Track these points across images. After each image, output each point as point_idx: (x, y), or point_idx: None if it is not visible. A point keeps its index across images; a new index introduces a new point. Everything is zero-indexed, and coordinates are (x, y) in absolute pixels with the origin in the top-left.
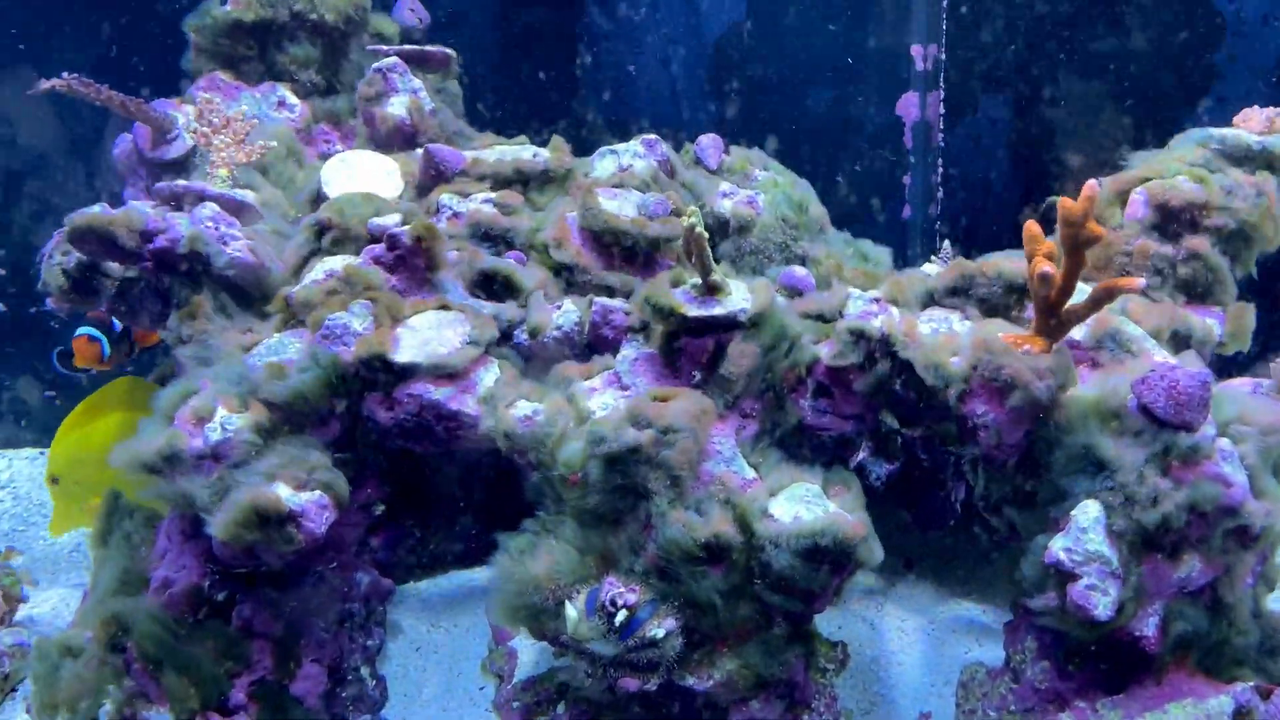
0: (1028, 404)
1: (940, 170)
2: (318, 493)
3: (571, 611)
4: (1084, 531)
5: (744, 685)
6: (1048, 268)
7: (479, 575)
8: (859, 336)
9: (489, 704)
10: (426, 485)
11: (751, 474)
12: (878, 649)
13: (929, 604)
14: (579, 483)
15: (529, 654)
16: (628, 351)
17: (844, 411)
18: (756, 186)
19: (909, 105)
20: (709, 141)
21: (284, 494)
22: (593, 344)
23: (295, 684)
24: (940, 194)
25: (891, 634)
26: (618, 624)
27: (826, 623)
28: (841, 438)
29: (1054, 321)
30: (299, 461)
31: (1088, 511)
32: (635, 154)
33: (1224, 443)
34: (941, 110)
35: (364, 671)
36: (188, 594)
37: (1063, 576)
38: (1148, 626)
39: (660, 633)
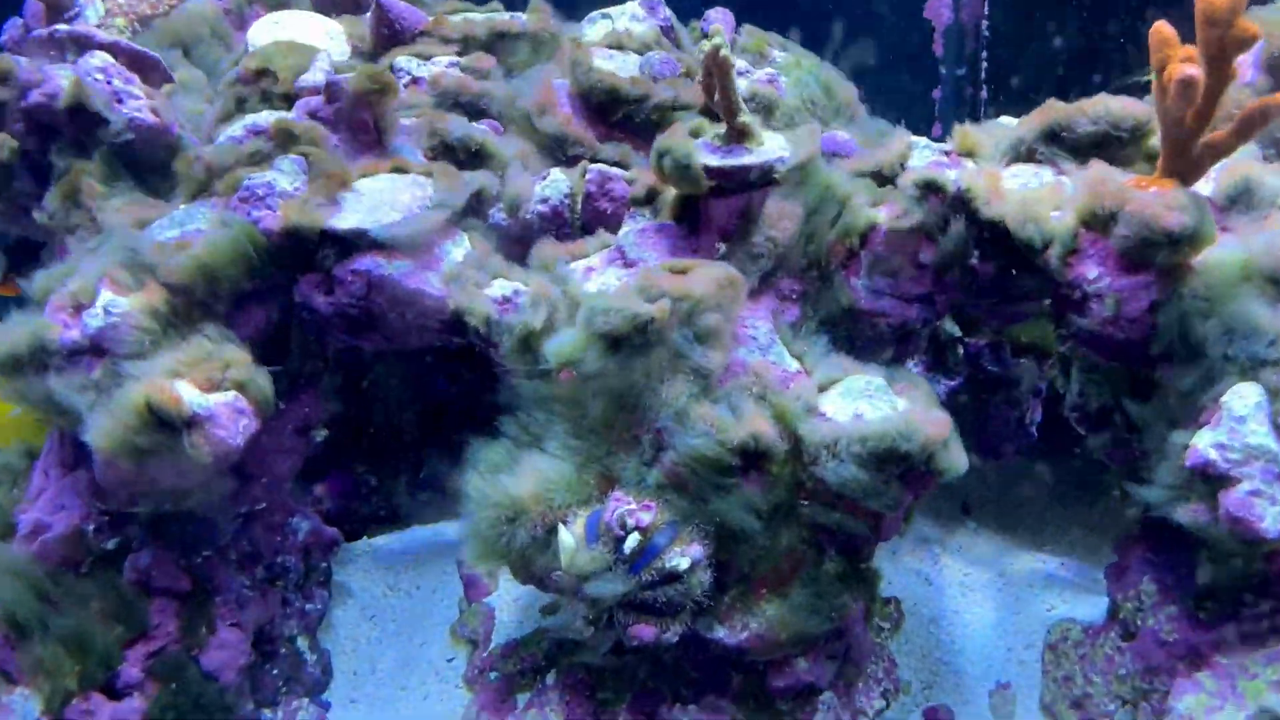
0: (1160, 257)
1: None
2: (232, 394)
3: (567, 537)
4: (1240, 422)
5: (787, 638)
6: (1191, 70)
7: (449, 530)
8: (930, 191)
9: (459, 678)
10: (383, 418)
11: (795, 365)
12: (937, 608)
13: (994, 555)
14: (573, 379)
15: (510, 612)
16: (633, 225)
17: (907, 292)
18: (777, 68)
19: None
20: (718, 15)
21: (187, 393)
22: (587, 222)
23: (207, 655)
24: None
25: (952, 591)
26: (628, 551)
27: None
28: (903, 328)
29: (1187, 157)
30: (208, 357)
31: (1244, 397)
32: (633, 17)
33: None
34: None
35: (301, 643)
36: (67, 540)
37: (1213, 482)
38: None
39: (684, 563)
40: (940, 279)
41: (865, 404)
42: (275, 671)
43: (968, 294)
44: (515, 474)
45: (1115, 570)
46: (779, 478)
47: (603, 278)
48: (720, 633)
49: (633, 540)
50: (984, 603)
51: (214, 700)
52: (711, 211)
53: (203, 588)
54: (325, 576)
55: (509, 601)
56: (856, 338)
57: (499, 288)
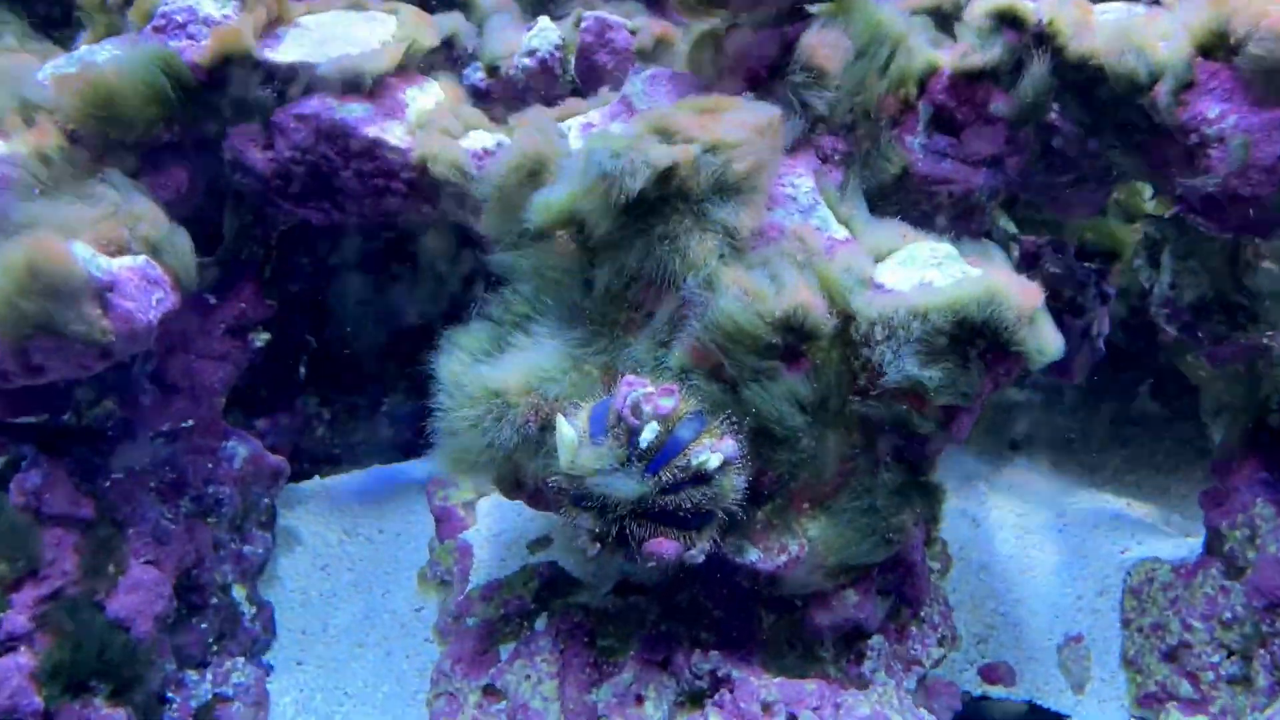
0: None
1: None
2: (143, 258)
3: (567, 429)
4: None
5: (833, 564)
6: None
7: (418, 470)
8: (1005, 23)
9: (429, 630)
10: (339, 339)
11: (842, 231)
12: (987, 553)
13: (1051, 494)
14: (571, 246)
15: (491, 549)
16: (640, 74)
17: (974, 152)
18: None
19: None
20: None
21: (84, 254)
22: (583, 79)
23: (115, 600)
24: None
25: (1005, 533)
26: (645, 445)
27: None
28: (966, 199)
29: None
30: (113, 212)
31: None
32: None
33: None
34: None
35: (237, 592)
36: None
37: None
38: None
39: (714, 460)
40: (1014, 136)
41: (934, 272)
42: (204, 625)
43: (1039, 166)
44: (498, 363)
45: (1213, 496)
46: (826, 363)
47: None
48: (752, 556)
49: (651, 431)
50: (1044, 545)
51: (123, 655)
52: (737, 48)
53: (110, 518)
54: (268, 516)
55: (489, 537)
56: (908, 212)
57: (476, 139)
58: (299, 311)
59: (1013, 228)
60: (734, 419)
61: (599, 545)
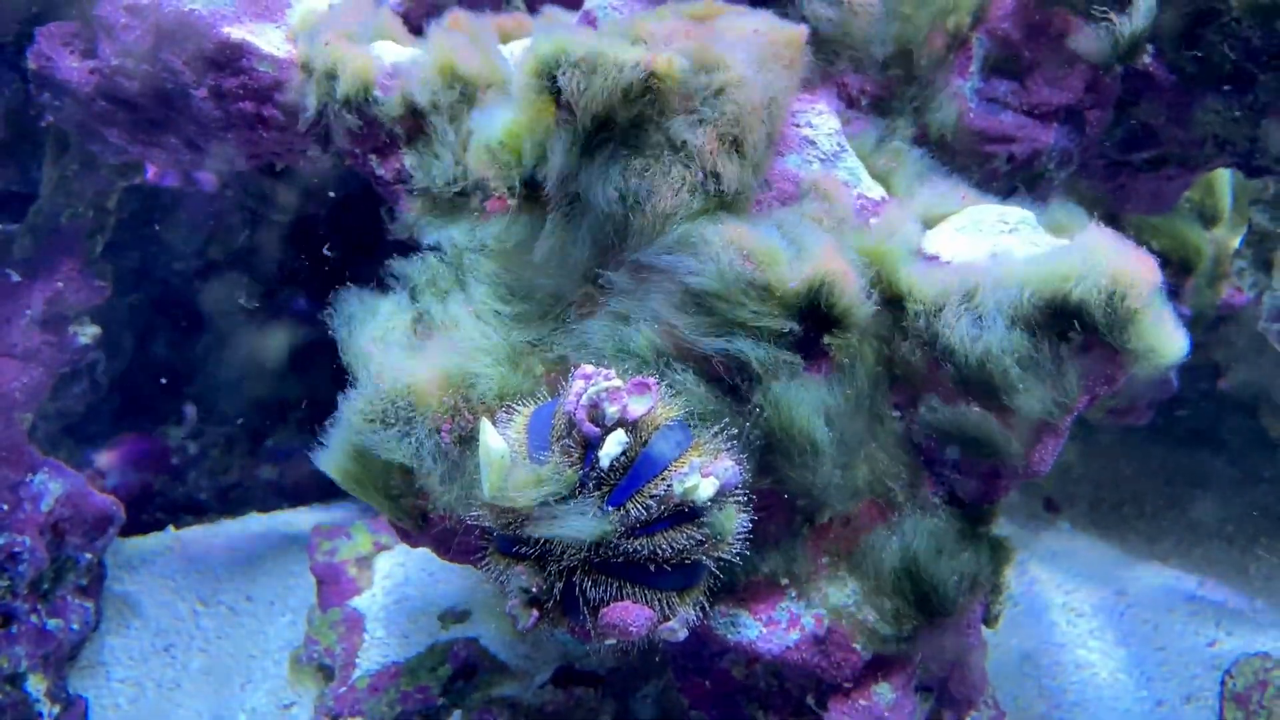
0: None
1: None
2: None
3: (495, 442)
4: None
5: (863, 643)
6: None
7: (306, 520)
8: None
9: None
10: (212, 350)
11: (879, 190)
12: (1031, 639)
13: (1104, 567)
14: (512, 202)
15: (389, 621)
16: None
17: (1044, 101)
18: None
19: None
20: None
21: None
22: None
23: None
24: None
25: (1053, 614)
26: (608, 463)
27: None
28: (1031, 163)
29: None
30: None
31: None
32: None
33: None
34: None
35: (33, 685)
36: None
37: None
38: None
39: (706, 488)
40: (1098, 82)
41: (1010, 239)
42: None
43: (1113, 134)
44: (416, 349)
45: None
46: (858, 361)
47: None
48: (750, 631)
49: (616, 443)
50: (1103, 633)
51: None
52: None
53: None
54: (90, 579)
55: (389, 604)
56: (956, 172)
57: (387, 52)
58: (161, 310)
59: None
60: (733, 432)
61: (536, 613)
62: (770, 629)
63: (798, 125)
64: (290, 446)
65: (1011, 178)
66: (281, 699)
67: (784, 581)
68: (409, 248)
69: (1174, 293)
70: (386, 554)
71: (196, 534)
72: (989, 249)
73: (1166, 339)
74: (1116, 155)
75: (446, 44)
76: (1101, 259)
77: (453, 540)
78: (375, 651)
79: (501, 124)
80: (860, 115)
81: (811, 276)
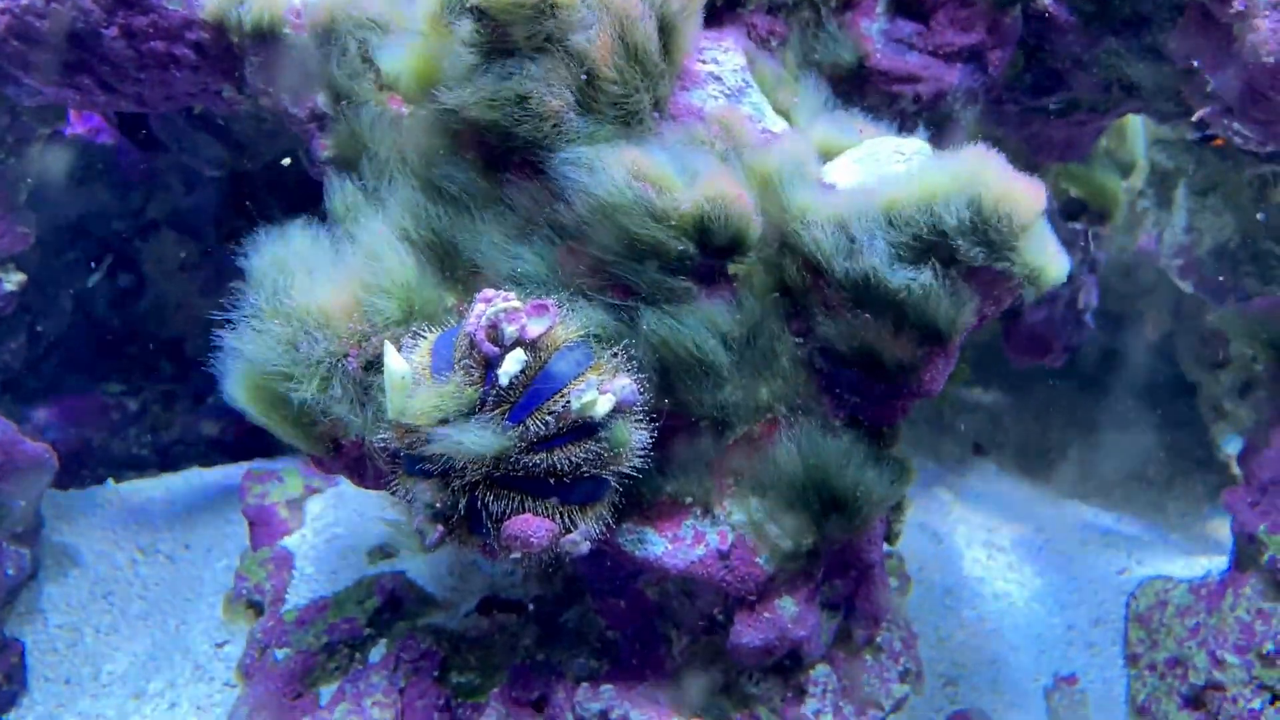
0: None
1: None
2: None
3: (398, 364)
4: None
5: (766, 557)
6: None
7: (243, 472)
8: None
9: (230, 671)
10: (153, 306)
11: (782, 123)
12: (954, 574)
13: (1027, 506)
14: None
15: (318, 559)
16: None
17: (946, 42)
18: None
19: None
20: None
21: None
22: None
23: None
24: None
25: (975, 550)
26: (507, 381)
27: None
28: (936, 103)
29: None
30: None
31: None
32: None
33: None
34: None
35: None
36: None
37: None
38: None
39: (602, 403)
40: (999, 22)
41: (901, 168)
42: None
43: (1022, 81)
44: (319, 273)
45: (1244, 492)
46: (757, 286)
47: None
48: (656, 548)
49: (515, 362)
50: (1021, 566)
51: None
52: None
53: None
54: (25, 527)
55: (319, 543)
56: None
57: None
58: (104, 265)
59: None
60: (634, 353)
61: (440, 528)
62: (675, 545)
63: (704, 62)
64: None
65: (919, 117)
66: (216, 638)
67: (689, 500)
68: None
69: (1093, 237)
70: (318, 496)
71: (137, 487)
72: (881, 175)
73: (1050, 260)
74: (1029, 102)
75: None
76: (987, 180)
77: (366, 467)
78: (304, 587)
79: (409, 48)
80: (770, 54)
81: (703, 198)
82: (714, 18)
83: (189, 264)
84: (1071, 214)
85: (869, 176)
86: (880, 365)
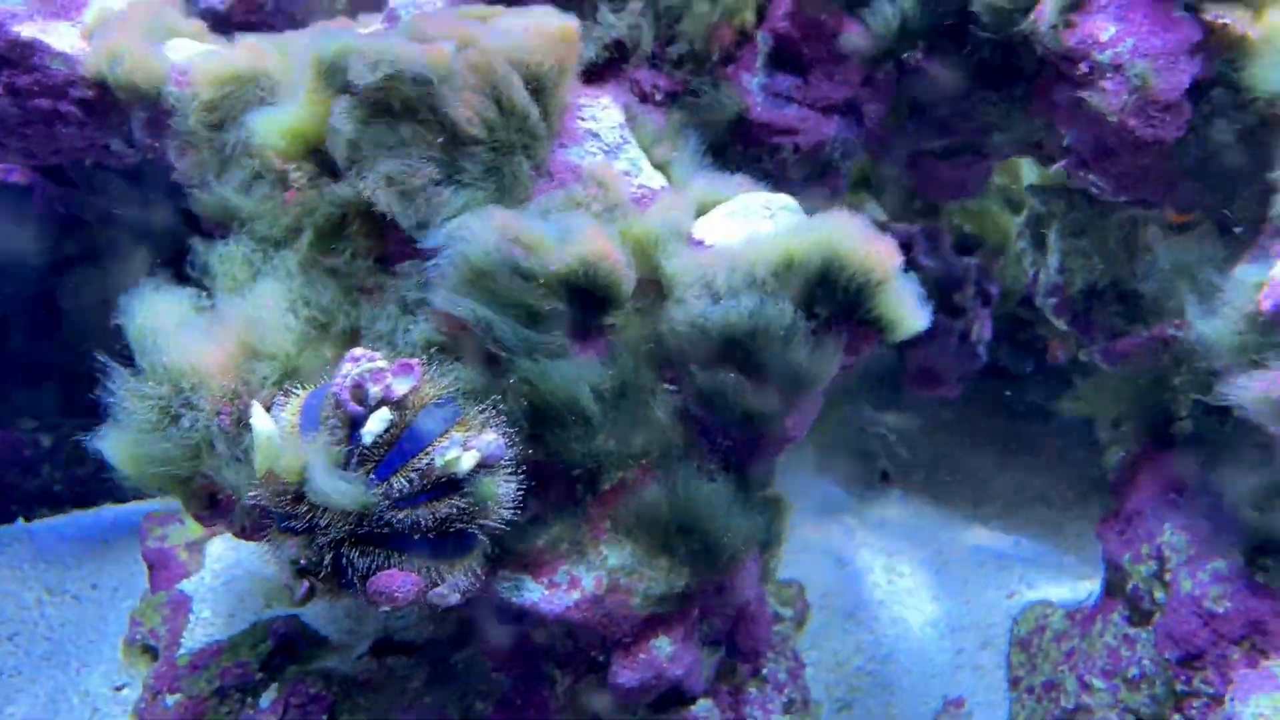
0: None
1: None
2: None
3: (264, 422)
4: None
5: (641, 599)
6: None
7: (157, 509)
8: None
9: (126, 715)
10: (73, 337)
11: (660, 179)
12: (854, 598)
13: (929, 530)
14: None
15: (215, 602)
16: None
17: (823, 96)
18: None
19: None
20: None
21: None
22: (356, 6)
23: None
24: None
25: (875, 575)
26: (371, 439)
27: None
28: (817, 153)
29: None
30: None
31: None
32: None
33: None
34: None
35: None
36: None
37: None
38: None
39: (466, 459)
40: (872, 77)
41: (767, 224)
42: None
43: (906, 126)
44: (198, 328)
45: (1113, 522)
46: (631, 340)
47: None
48: (533, 594)
49: (379, 421)
50: (919, 590)
51: None
52: None
53: None
54: None
55: (217, 586)
56: (748, 169)
57: (182, 50)
58: (16, 305)
59: (880, 213)
60: (504, 409)
61: (306, 583)
62: (551, 591)
63: (582, 119)
64: None
65: (801, 167)
66: (115, 680)
67: (564, 546)
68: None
69: (985, 271)
70: (219, 539)
71: (48, 525)
72: (750, 232)
73: (905, 314)
74: (915, 146)
75: (239, 47)
76: (844, 241)
77: (245, 520)
78: (200, 631)
79: (294, 108)
80: (654, 109)
81: (575, 258)
82: (596, 75)
83: (105, 300)
84: (966, 249)
85: (739, 232)
86: (747, 412)
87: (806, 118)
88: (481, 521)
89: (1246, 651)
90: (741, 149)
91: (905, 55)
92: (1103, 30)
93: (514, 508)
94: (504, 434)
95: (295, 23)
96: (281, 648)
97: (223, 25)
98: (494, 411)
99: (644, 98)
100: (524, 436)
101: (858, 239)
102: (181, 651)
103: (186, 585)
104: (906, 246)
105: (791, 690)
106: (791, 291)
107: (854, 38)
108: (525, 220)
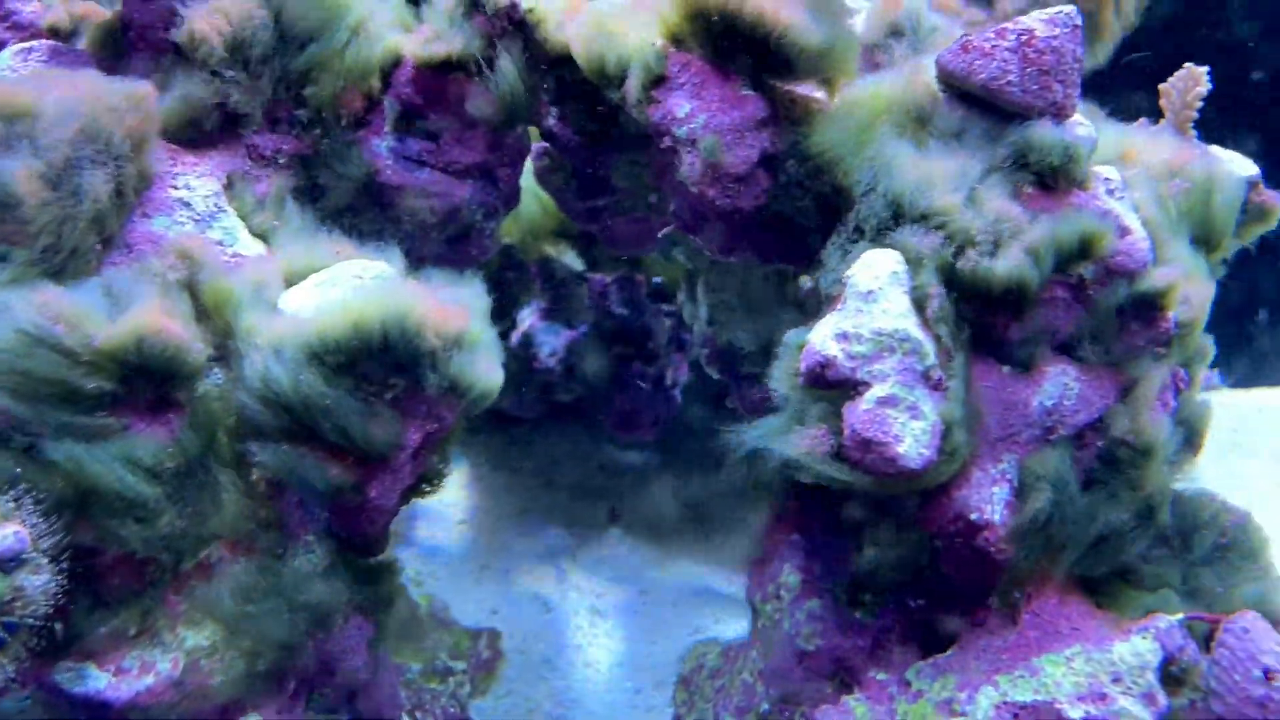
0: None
1: None
2: None
3: None
4: (868, 300)
5: (226, 679)
6: None
7: None
8: (474, 7)
9: None
10: None
11: (257, 247)
12: (554, 643)
13: (639, 568)
14: None
15: None
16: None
17: (454, 160)
18: None
19: None
20: None
21: None
22: None
23: None
24: None
25: (579, 619)
26: None
27: (476, 605)
28: (455, 215)
29: None
30: None
31: (873, 266)
32: None
33: (1107, 171)
34: None
35: None
36: None
37: (832, 388)
38: (989, 501)
39: None
40: (500, 142)
41: (351, 295)
42: None
43: (570, 185)
44: None
45: (756, 565)
46: (213, 406)
47: None
48: (96, 681)
49: None
50: (614, 631)
51: None
52: (138, 19)
53: None
54: None
55: None
56: (389, 231)
57: None
58: None
59: (580, 264)
60: (44, 495)
61: None
62: (120, 677)
63: (175, 188)
64: None
65: (441, 228)
66: None
67: (133, 631)
68: None
69: (680, 318)
70: None
71: None
72: (327, 302)
73: (480, 376)
74: (584, 204)
75: None
76: (413, 308)
77: None
78: None
79: None
80: (274, 171)
81: (127, 333)
82: (208, 140)
83: None
84: (664, 297)
85: (322, 300)
86: (323, 484)
87: (439, 181)
88: (11, 617)
89: (836, 688)
90: (380, 212)
91: (527, 120)
92: (679, 107)
93: (54, 599)
94: (33, 525)
95: None
96: None
97: None
98: (27, 499)
99: (264, 161)
100: (71, 523)
101: (427, 307)
102: None
103: None
104: (603, 295)
105: None
106: (352, 361)
107: (475, 104)
108: (72, 295)
